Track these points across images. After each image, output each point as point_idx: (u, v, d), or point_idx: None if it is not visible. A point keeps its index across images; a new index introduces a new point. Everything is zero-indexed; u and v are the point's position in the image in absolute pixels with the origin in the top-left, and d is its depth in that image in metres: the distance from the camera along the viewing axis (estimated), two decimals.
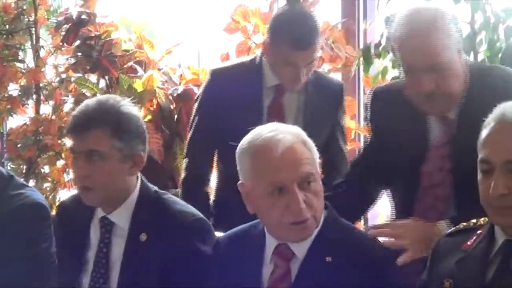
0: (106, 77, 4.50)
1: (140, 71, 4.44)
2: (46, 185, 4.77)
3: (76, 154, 2.47)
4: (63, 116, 4.57)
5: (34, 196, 2.72)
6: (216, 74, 3.29)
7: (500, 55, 3.51)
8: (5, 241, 2.58)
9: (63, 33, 4.58)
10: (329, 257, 2.17)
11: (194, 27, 5.31)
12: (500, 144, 1.98)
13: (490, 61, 3.52)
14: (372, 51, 3.89)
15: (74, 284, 2.50)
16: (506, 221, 2.00)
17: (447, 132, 2.55)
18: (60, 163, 4.67)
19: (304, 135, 2.22)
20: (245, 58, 3.52)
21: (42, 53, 4.83)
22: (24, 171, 4.76)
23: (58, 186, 4.69)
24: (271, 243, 2.23)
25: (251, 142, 2.20)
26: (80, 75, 4.54)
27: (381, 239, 2.38)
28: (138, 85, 4.28)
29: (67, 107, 4.60)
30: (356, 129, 4.30)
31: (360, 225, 3.17)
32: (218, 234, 2.51)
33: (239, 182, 2.24)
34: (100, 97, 2.61)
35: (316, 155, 2.21)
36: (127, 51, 4.49)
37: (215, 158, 3.33)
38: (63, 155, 4.61)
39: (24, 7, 4.86)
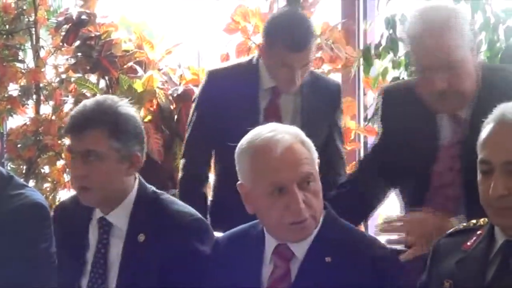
0: (106, 78, 4.50)
1: (140, 71, 4.44)
2: (46, 185, 4.77)
3: (73, 154, 2.47)
4: (63, 116, 4.57)
5: (34, 196, 2.72)
6: (213, 75, 3.30)
7: (500, 55, 3.52)
8: (5, 241, 2.58)
9: (63, 33, 4.58)
10: (328, 257, 2.17)
11: (194, 28, 5.31)
12: (500, 145, 1.98)
13: (490, 62, 3.53)
14: (372, 51, 3.89)
15: (74, 285, 2.49)
16: (505, 222, 1.99)
17: (458, 131, 2.54)
18: (60, 163, 4.68)
19: (302, 135, 2.21)
20: (242, 59, 3.52)
21: (42, 53, 4.84)
22: (24, 171, 4.76)
23: (58, 186, 4.70)
24: (270, 243, 2.23)
25: (250, 142, 2.20)
26: (80, 75, 4.55)
27: (387, 236, 2.38)
28: (138, 86, 4.28)
29: (67, 107, 4.60)
30: (356, 130, 4.30)
31: (361, 225, 3.17)
32: (216, 234, 2.51)
33: (238, 182, 2.24)
34: (98, 97, 2.61)
35: (315, 155, 2.21)
36: (127, 51, 4.49)
37: (213, 159, 3.34)
38: (63, 155, 4.61)
39: (24, 7, 4.86)
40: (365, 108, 4.50)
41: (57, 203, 3.99)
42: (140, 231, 2.43)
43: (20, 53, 4.90)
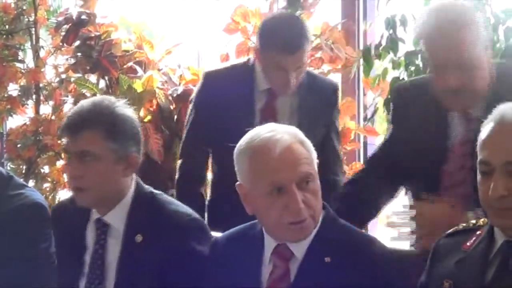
0: (106, 78, 4.50)
1: (140, 71, 4.44)
2: (46, 185, 4.77)
3: (69, 154, 2.47)
4: (62, 117, 4.54)
5: (34, 196, 2.73)
6: (209, 77, 3.31)
7: (499, 56, 3.52)
8: (4, 241, 2.59)
9: (63, 33, 4.58)
10: (328, 257, 2.16)
11: (194, 28, 5.31)
12: (500, 146, 1.97)
13: None
14: (372, 52, 3.89)
15: (73, 285, 2.48)
16: (505, 223, 1.99)
17: (470, 130, 2.53)
18: (59, 163, 4.68)
19: (301, 135, 2.21)
20: (239, 61, 3.52)
21: (42, 53, 4.84)
22: (23, 171, 4.76)
23: (58, 186, 4.70)
24: (269, 243, 2.23)
25: (249, 142, 2.20)
26: (80, 75, 4.54)
27: (398, 229, 2.37)
28: (138, 86, 4.28)
29: (67, 108, 4.60)
30: (356, 130, 4.30)
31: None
32: (214, 234, 2.51)
33: (237, 183, 2.24)
34: (95, 98, 2.61)
35: (314, 154, 2.21)
36: (127, 51, 4.49)
37: (210, 159, 3.34)
38: (62, 155, 4.60)
39: (24, 7, 4.86)
40: (365, 108, 4.50)
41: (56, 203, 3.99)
42: (137, 232, 2.43)
43: (20, 53, 4.90)
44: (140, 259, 2.40)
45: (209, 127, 3.21)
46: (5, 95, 4.82)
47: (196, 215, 2.47)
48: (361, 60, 3.99)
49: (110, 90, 4.45)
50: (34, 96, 4.82)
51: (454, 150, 2.56)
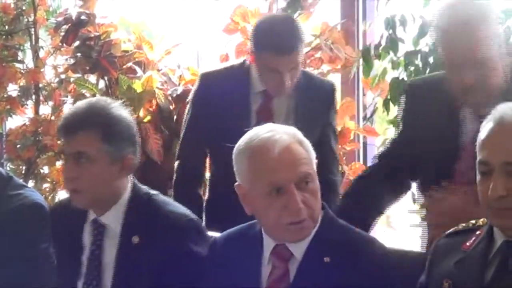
0: (106, 78, 4.50)
1: (139, 71, 4.44)
2: (45, 185, 4.78)
3: (65, 155, 2.47)
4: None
5: (33, 197, 2.73)
6: (205, 78, 3.31)
7: None
8: (4, 242, 2.59)
9: (62, 33, 4.58)
10: (327, 257, 2.16)
11: (194, 28, 5.31)
12: (499, 146, 1.97)
13: None
14: (372, 52, 3.89)
15: (71, 286, 2.48)
16: (505, 223, 1.99)
17: None
18: (59, 163, 4.68)
19: (300, 135, 2.21)
20: (235, 62, 3.52)
21: (42, 53, 4.84)
22: (23, 171, 4.76)
23: (58, 187, 4.70)
24: (268, 243, 2.23)
25: (248, 143, 2.20)
26: (79, 75, 4.55)
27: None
28: (138, 86, 4.28)
29: (66, 108, 4.60)
30: (355, 130, 4.30)
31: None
32: (212, 234, 2.51)
33: (236, 183, 2.24)
34: (91, 99, 2.60)
35: (313, 155, 2.21)
36: (126, 51, 4.49)
37: (208, 160, 3.35)
38: (62, 156, 4.60)
39: (24, 8, 4.87)
40: (364, 108, 4.51)
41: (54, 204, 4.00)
42: (134, 233, 2.42)
43: (20, 53, 4.91)
44: (137, 260, 2.39)
45: (206, 128, 3.21)
46: (5, 95, 4.83)
47: (192, 215, 2.46)
48: (361, 60, 3.99)
49: (109, 91, 4.45)
50: (33, 97, 4.82)
51: (465, 149, 2.55)
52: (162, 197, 2.52)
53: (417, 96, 2.72)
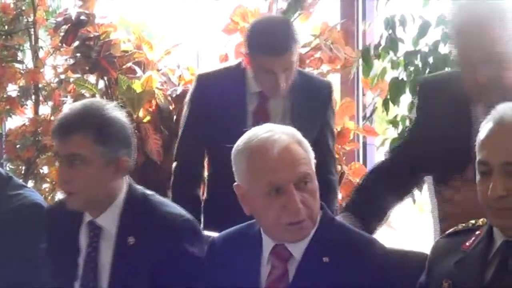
0: (105, 78, 4.50)
1: (139, 71, 4.44)
2: (45, 185, 4.78)
3: (59, 158, 2.46)
4: None
5: (33, 197, 2.73)
6: (202, 79, 3.31)
7: None
8: (4, 242, 2.59)
9: (62, 33, 4.59)
10: (326, 257, 2.16)
11: (193, 28, 5.30)
12: (498, 146, 1.97)
13: None
14: (372, 52, 3.89)
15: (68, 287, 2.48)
16: (504, 223, 1.99)
17: None
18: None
19: (299, 135, 2.21)
20: (231, 63, 3.52)
21: (41, 53, 4.84)
22: (23, 171, 4.77)
23: (57, 187, 4.69)
24: (267, 243, 2.22)
25: (247, 143, 2.19)
26: (79, 75, 4.55)
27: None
28: (137, 86, 4.28)
29: (66, 108, 4.60)
30: (355, 130, 4.30)
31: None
32: (211, 234, 2.51)
33: (235, 183, 2.24)
34: (85, 100, 2.59)
35: (312, 155, 2.21)
36: (126, 51, 4.49)
37: (206, 160, 3.35)
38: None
39: (23, 8, 4.87)
40: (364, 108, 4.51)
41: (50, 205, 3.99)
42: (129, 234, 2.41)
43: (19, 53, 4.91)
44: (133, 261, 2.38)
45: (203, 128, 3.21)
46: (4, 95, 4.83)
47: (188, 216, 2.45)
48: (360, 61, 3.99)
49: (109, 91, 4.45)
50: (33, 97, 4.83)
51: None
52: (158, 197, 2.51)
53: (430, 93, 2.71)
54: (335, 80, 4.48)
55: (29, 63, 4.86)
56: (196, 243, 2.40)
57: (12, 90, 4.86)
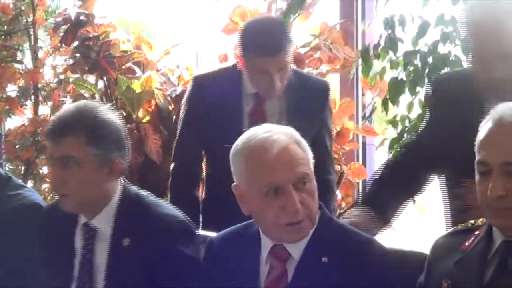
0: (105, 78, 4.50)
1: (138, 72, 4.44)
2: (44, 186, 4.77)
3: (52, 160, 2.45)
4: None
5: (32, 197, 2.72)
6: (198, 80, 3.31)
7: None
8: (3, 242, 2.59)
9: (61, 34, 4.59)
10: (325, 257, 2.16)
11: (193, 28, 5.31)
12: (498, 146, 1.97)
13: None
14: (371, 52, 3.89)
15: None
16: (504, 223, 1.99)
17: None
18: None
19: (297, 135, 2.21)
20: (227, 64, 3.51)
21: (41, 54, 4.85)
22: (22, 172, 4.77)
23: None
24: (266, 243, 2.22)
25: (245, 143, 2.19)
26: (78, 76, 4.55)
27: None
28: (137, 86, 4.28)
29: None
30: (354, 130, 4.30)
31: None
32: (209, 234, 2.50)
33: (233, 183, 2.23)
34: (79, 102, 2.58)
35: (310, 155, 2.20)
36: (125, 52, 4.50)
37: (204, 160, 3.35)
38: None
39: (22, 8, 4.87)
40: (363, 108, 4.51)
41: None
42: (124, 235, 2.41)
43: (19, 53, 4.91)
44: (128, 263, 2.38)
45: (201, 129, 3.21)
46: (4, 96, 4.83)
47: (183, 217, 2.45)
48: (360, 60, 3.99)
49: (108, 91, 4.45)
50: (32, 97, 4.83)
51: None
52: (152, 198, 2.50)
53: (444, 90, 2.70)
54: (334, 80, 4.48)
55: (28, 63, 4.86)
56: (191, 244, 2.39)
57: (11, 90, 4.87)
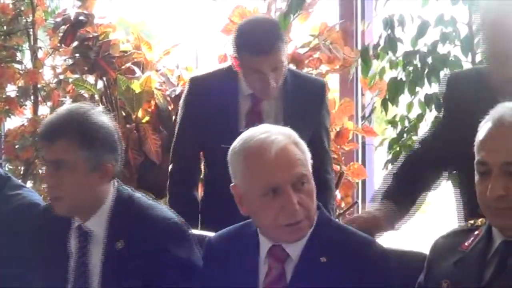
0: (104, 78, 4.50)
1: (138, 72, 4.44)
2: (44, 186, 4.76)
3: (45, 163, 2.45)
4: None
5: (32, 197, 2.72)
6: (195, 82, 3.31)
7: None
8: (3, 242, 2.58)
9: (61, 34, 4.59)
10: (323, 257, 2.16)
11: (192, 28, 5.31)
12: (497, 146, 1.97)
13: None
14: (371, 52, 3.89)
15: None
16: (503, 223, 2.00)
17: None
18: None
19: (295, 136, 2.21)
20: (224, 65, 3.51)
21: (40, 54, 4.85)
22: (21, 172, 4.76)
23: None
24: (264, 244, 2.22)
25: (244, 144, 2.19)
26: (78, 76, 4.55)
27: None
28: (136, 86, 4.28)
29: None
30: (354, 130, 4.30)
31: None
32: (208, 233, 2.50)
33: (232, 184, 2.23)
34: (71, 105, 2.57)
35: (308, 155, 2.20)
36: (125, 52, 4.49)
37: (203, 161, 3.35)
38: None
39: (22, 8, 4.87)
40: (363, 108, 4.51)
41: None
42: (118, 238, 2.40)
43: (18, 54, 4.91)
44: (122, 265, 2.37)
45: (198, 130, 3.21)
46: (3, 96, 4.83)
47: (175, 218, 2.44)
48: (359, 61, 3.99)
49: (108, 91, 4.45)
50: (32, 97, 4.83)
51: None
52: (145, 200, 2.50)
53: (457, 87, 2.69)
54: (334, 80, 4.48)
55: (28, 63, 4.86)
56: (183, 245, 2.39)
57: (11, 90, 4.87)
